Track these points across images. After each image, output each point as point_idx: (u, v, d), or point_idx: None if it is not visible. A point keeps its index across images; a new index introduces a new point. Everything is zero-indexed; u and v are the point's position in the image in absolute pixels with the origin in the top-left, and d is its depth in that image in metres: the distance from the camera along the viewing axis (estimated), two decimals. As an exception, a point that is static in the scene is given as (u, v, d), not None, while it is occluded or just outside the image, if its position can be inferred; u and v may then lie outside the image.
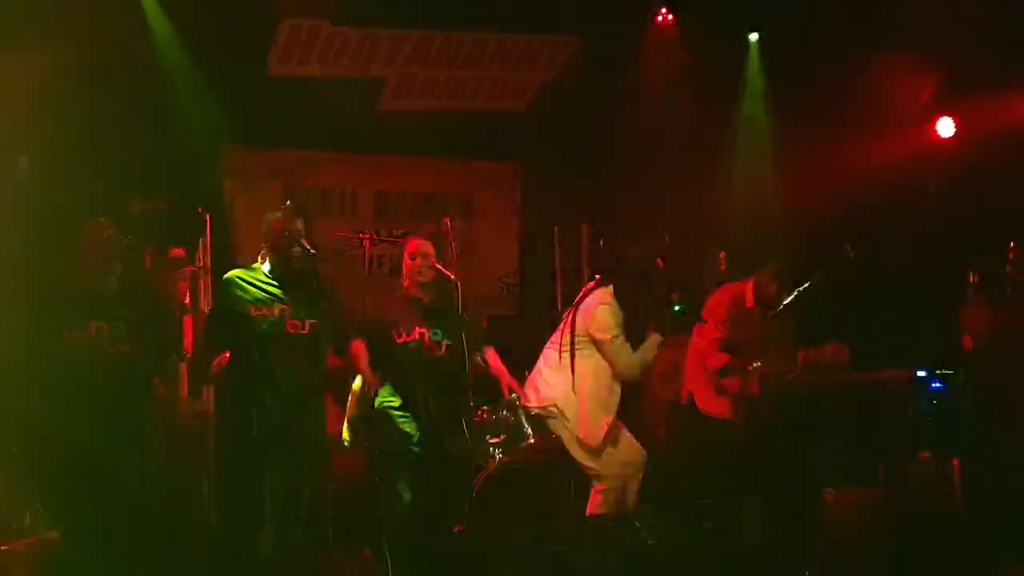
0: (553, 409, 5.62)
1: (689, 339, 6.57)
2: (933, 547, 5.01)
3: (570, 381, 5.61)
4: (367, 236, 7.04)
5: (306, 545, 5.02)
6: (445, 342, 5.55)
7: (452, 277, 5.71)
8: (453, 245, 7.53)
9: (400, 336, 5.51)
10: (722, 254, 7.54)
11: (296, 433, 4.96)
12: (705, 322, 6.20)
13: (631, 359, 5.57)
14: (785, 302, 6.50)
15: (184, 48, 7.12)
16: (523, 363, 7.35)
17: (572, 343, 5.64)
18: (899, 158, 7.96)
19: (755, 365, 6.29)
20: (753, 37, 8.84)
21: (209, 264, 6.91)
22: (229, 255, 7.41)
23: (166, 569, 5.27)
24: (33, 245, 5.71)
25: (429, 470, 5.51)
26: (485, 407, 6.66)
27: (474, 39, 8.21)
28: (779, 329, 6.64)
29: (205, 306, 6.26)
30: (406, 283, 5.71)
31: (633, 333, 5.62)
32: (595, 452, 5.58)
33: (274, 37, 7.61)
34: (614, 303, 5.62)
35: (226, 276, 5.23)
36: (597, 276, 5.93)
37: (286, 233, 5.05)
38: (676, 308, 5.67)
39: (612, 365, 5.59)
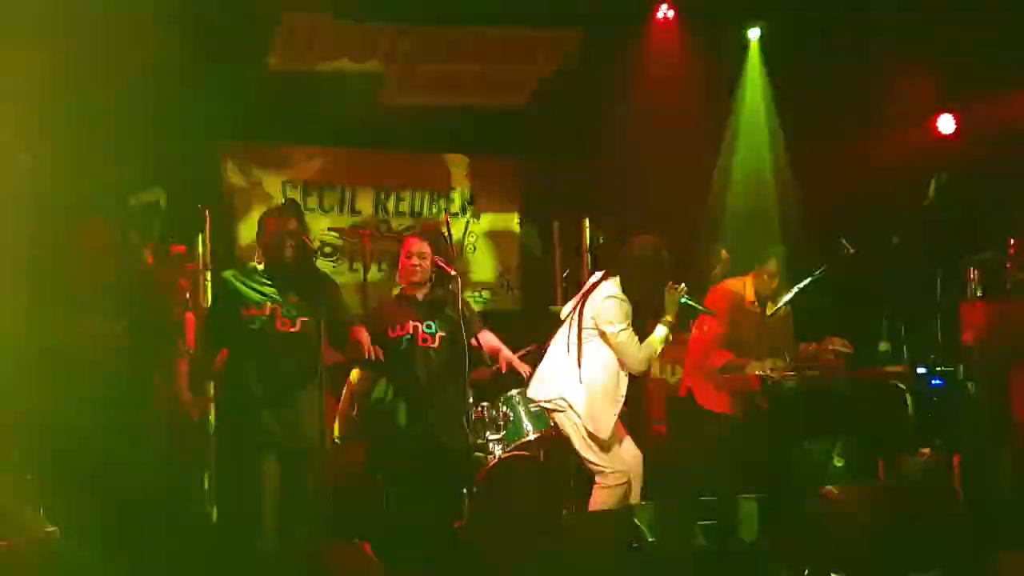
0: (560, 402, 5.61)
1: (686, 335, 6.57)
2: (934, 543, 5.01)
3: (578, 374, 5.60)
4: (367, 232, 7.06)
5: (305, 541, 5.03)
6: (439, 334, 5.56)
7: (452, 272, 5.71)
8: (452, 240, 7.56)
9: (393, 331, 5.52)
10: (724, 252, 7.54)
11: (291, 430, 4.96)
12: (714, 314, 6.20)
13: (639, 352, 5.58)
14: (785, 299, 6.50)
15: (184, 43, 7.10)
16: (523, 359, 7.36)
17: (580, 336, 5.64)
18: (899, 155, 7.95)
19: (754, 366, 6.29)
20: (753, 33, 8.83)
21: (209, 260, 6.91)
22: (229, 251, 7.42)
23: (166, 565, 5.28)
24: (32, 242, 5.69)
25: (427, 465, 5.52)
26: (485, 403, 6.67)
27: (474, 34, 8.20)
28: (780, 326, 6.64)
29: (205, 302, 6.25)
30: (400, 280, 5.73)
31: (639, 327, 5.62)
32: (602, 446, 5.58)
33: (275, 32, 7.60)
34: (622, 296, 5.62)
35: (222, 275, 5.24)
36: (603, 269, 5.92)
37: (280, 232, 5.05)
38: (683, 300, 5.68)
39: (620, 358, 5.60)
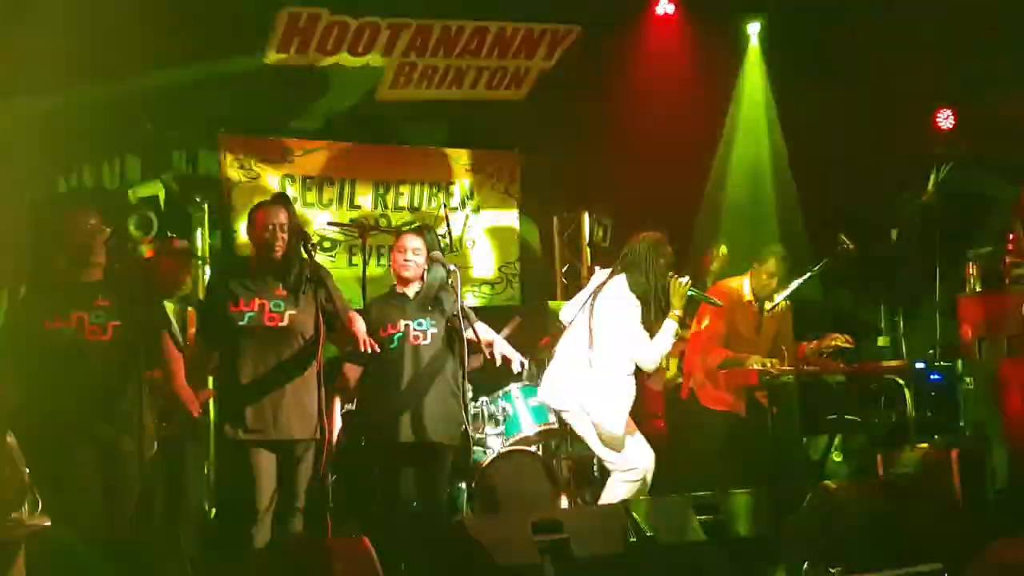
0: (575, 404, 5.62)
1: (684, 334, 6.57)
2: (932, 538, 5.02)
3: (590, 372, 5.61)
4: (366, 227, 7.04)
5: (304, 535, 5.03)
6: (431, 331, 5.55)
7: (451, 267, 5.70)
8: (451, 234, 7.56)
9: (385, 330, 5.51)
10: (723, 248, 7.54)
11: (284, 425, 4.94)
12: (720, 304, 6.20)
13: (650, 348, 5.58)
14: (784, 294, 6.50)
15: (183, 36, 7.09)
16: (523, 352, 7.36)
17: (591, 335, 5.64)
18: (899, 149, 7.95)
19: (754, 361, 6.29)
20: (753, 28, 8.83)
21: (208, 254, 6.91)
22: (228, 246, 7.41)
23: (161, 558, 5.28)
24: (26, 235, 5.69)
25: (425, 460, 5.51)
26: (484, 398, 6.68)
27: (473, 28, 8.19)
28: (778, 322, 6.64)
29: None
30: (397, 278, 5.71)
31: (646, 323, 5.63)
32: (617, 444, 5.60)
33: (272, 25, 7.58)
34: (630, 293, 5.63)
35: (213, 271, 5.24)
36: (608, 267, 5.93)
37: (270, 226, 5.03)
38: (690, 293, 5.68)
39: (633, 355, 5.60)
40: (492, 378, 6.90)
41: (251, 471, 4.91)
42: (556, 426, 6.75)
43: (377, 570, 4.42)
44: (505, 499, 6.28)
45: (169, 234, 6.57)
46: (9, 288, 4.99)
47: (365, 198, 8.20)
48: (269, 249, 5.03)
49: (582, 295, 5.96)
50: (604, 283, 5.77)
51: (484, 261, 8.67)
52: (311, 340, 5.05)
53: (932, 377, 6.53)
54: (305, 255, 5.01)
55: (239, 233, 7.34)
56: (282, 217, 5.07)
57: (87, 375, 4.78)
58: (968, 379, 6.41)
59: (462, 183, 8.61)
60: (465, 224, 8.58)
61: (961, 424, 6.47)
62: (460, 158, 8.61)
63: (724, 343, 6.47)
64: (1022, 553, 4.06)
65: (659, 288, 5.64)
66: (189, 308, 5.99)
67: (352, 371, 5.61)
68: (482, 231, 8.67)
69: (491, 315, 8.13)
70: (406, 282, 5.65)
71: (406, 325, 5.53)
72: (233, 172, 7.70)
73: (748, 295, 6.57)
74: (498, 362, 5.82)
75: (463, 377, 5.59)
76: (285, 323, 5.01)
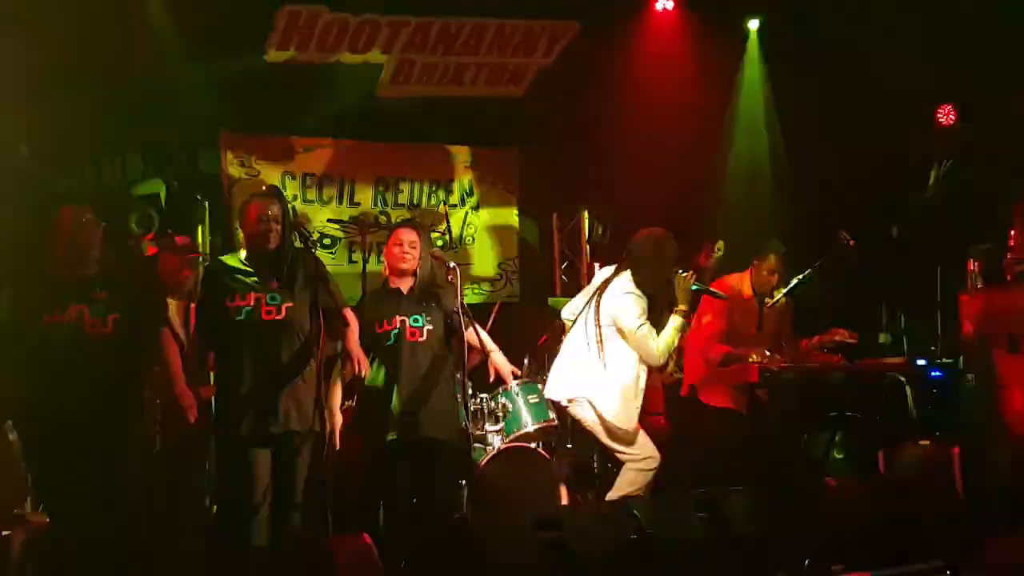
0: (584, 400, 5.62)
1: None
2: (934, 536, 5.01)
3: (598, 369, 5.60)
4: (366, 223, 7.05)
5: (304, 531, 5.02)
6: (427, 328, 5.53)
7: (451, 264, 5.69)
8: (451, 232, 7.56)
9: (381, 326, 5.49)
10: (721, 244, 7.52)
11: (282, 418, 4.93)
12: (726, 297, 6.20)
13: (658, 344, 5.58)
14: (784, 291, 6.50)
15: (183, 34, 7.08)
16: (523, 349, 7.36)
17: (599, 331, 5.64)
18: (899, 145, 7.94)
19: (754, 357, 6.28)
20: (753, 24, 8.82)
21: (208, 251, 6.90)
22: (228, 242, 7.40)
23: (160, 554, 5.28)
24: (27, 232, 5.68)
25: (423, 457, 5.50)
26: (484, 394, 6.67)
27: (473, 25, 8.18)
28: (778, 319, 6.64)
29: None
30: (386, 272, 5.68)
31: (652, 318, 5.63)
32: (626, 439, 5.60)
33: (272, 23, 7.58)
34: (637, 290, 5.62)
35: (207, 268, 5.22)
36: (612, 264, 5.92)
37: (263, 217, 4.99)
38: (694, 287, 5.68)
39: (640, 352, 5.60)
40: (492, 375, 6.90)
41: (247, 467, 4.89)
42: (556, 423, 6.75)
43: (378, 567, 4.42)
44: (505, 496, 6.27)
45: (169, 231, 6.57)
46: (7, 283, 4.96)
47: (365, 195, 8.20)
48: (264, 241, 4.99)
49: (586, 292, 5.95)
50: (609, 279, 5.76)
51: (483, 258, 8.67)
52: (308, 332, 5.04)
53: (933, 374, 6.52)
54: (303, 246, 5.00)
55: (240, 230, 7.33)
56: (275, 209, 5.03)
57: (88, 369, 4.78)
58: (969, 376, 6.40)
59: (461, 180, 8.60)
60: (464, 221, 8.57)
61: (962, 421, 6.46)
62: (459, 155, 8.61)
63: (724, 340, 6.46)
64: (1022, 551, 4.06)
65: (664, 283, 5.64)
66: (192, 304, 5.98)
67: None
68: (481, 228, 8.67)
69: (491, 311, 8.18)
70: (401, 275, 5.61)
71: (402, 321, 5.51)
72: (234, 170, 7.70)
73: (748, 291, 6.56)
74: (491, 376, 5.80)
75: (463, 374, 5.59)
76: (282, 316, 4.97)
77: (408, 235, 5.66)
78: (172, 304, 5.72)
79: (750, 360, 6.25)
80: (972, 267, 6.42)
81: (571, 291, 8.34)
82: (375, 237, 7.59)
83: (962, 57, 7.66)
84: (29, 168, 6.86)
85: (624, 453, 5.65)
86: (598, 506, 5.78)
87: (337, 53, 7.85)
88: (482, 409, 6.64)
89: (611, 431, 5.62)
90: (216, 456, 5.30)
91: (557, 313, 6.93)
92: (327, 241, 7.97)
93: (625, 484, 5.58)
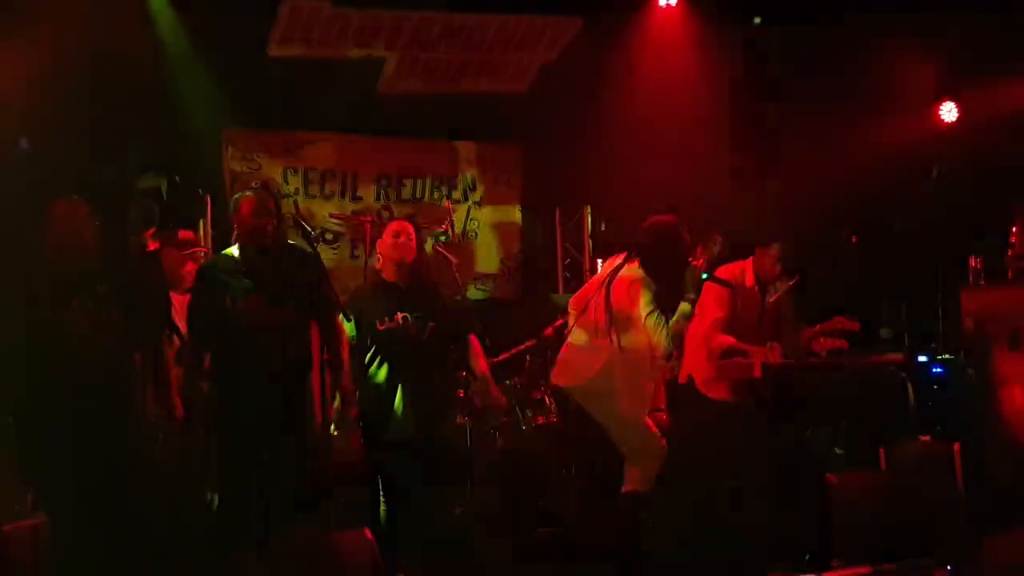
0: (594, 389, 5.62)
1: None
2: (934, 532, 5.03)
3: (607, 359, 5.60)
4: (368, 219, 7.05)
5: (306, 527, 5.03)
6: (430, 324, 5.52)
7: (453, 259, 5.70)
8: (453, 228, 7.55)
9: (383, 323, 5.47)
10: (718, 237, 7.50)
11: (283, 420, 4.93)
12: (734, 287, 6.20)
13: (667, 332, 5.58)
14: (784, 287, 6.50)
15: (185, 29, 7.09)
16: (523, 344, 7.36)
17: (610, 321, 5.63)
18: (901, 143, 7.94)
19: (757, 352, 6.28)
20: (754, 20, 8.80)
21: (211, 246, 6.91)
22: (229, 238, 7.41)
23: (162, 549, 5.28)
24: (28, 227, 5.67)
25: (425, 453, 5.50)
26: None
27: (475, 21, 8.18)
28: (781, 310, 6.63)
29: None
30: (381, 265, 5.62)
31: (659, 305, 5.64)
32: (635, 430, 5.60)
33: (275, 18, 7.58)
34: (646, 278, 5.62)
35: (199, 268, 5.18)
36: (605, 260, 5.92)
37: (257, 212, 4.94)
38: (704, 276, 5.68)
39: (650, 339, 5.60)
40: (492, 371, 6.90)
41: (245, 463, 4.89)
42: (557, 419, 6.76)
43: (379, 562, 4.43)
44: (508, 491, 6.29)
45: (172, 226, 6.56)
46: (10, 278, 4.96)
47: (367, 190, 8.21)
48: (261, 236, 4.94)
49: (594, 282, 5.93)
50: (619, 267, 5.75)
51: (486, 254, 8.68)
52: (309, 332, 5.03)
53: (934, 370, 6.53)
54: (308, 247, 4.98)
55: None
56: (269, 204, 5.00)
57: (91, 363, 4.77)
58: (970, 372, 6.41)
59: (464, 176, 8.61)
60: (467, 217, 8.58)
61: (962, 418, 6.47)
62: (463, 151, 8.62)
63: (726, 329, 6.46)
64: (1021, 548, 4.07)
65: (674, 271, 5.63)
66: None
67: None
68: (484, 224, 8.67)
69: (492, 307, 8.19)
70: (397, 268, 5.58)
71: (404, 317, 5.50)
72: (236, 164, 7.72)
73: (751, 280, 6.54)
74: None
75: (466, 369, 5.58)
76: (285, 318, 4.95)
77: (405, 227, 5.65)
78: (175, 299, 5.72)
79: (751, 356, 6.26)
80: (973, 264, 6.43)
81: (573, 288, 8.35)
82: (378, 232, 7.59)
83: (963, 52, 7.66)
84: (30, 162, 6.87)
85: (630, 446, 5.64)
86: (600, 501, 5.78)
87: (340, 49, 7.85)
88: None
89: (620, 422, 5.62)
90: (219, 453, 5.26)
91: (559, 310, 6.95)
92: (329, 236, 7.98)
93: (633, 480, 5.57)
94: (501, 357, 6.96)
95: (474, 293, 8.35)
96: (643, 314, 5.56)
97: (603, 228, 8.77)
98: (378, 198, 8.23)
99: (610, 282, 5.72)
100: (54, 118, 6.79)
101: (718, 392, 6.48)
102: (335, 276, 5.63)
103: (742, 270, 6.57)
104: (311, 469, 5.03)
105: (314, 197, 8.01)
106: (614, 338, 5.62)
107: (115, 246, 5.10)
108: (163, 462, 5.48)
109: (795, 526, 5.15)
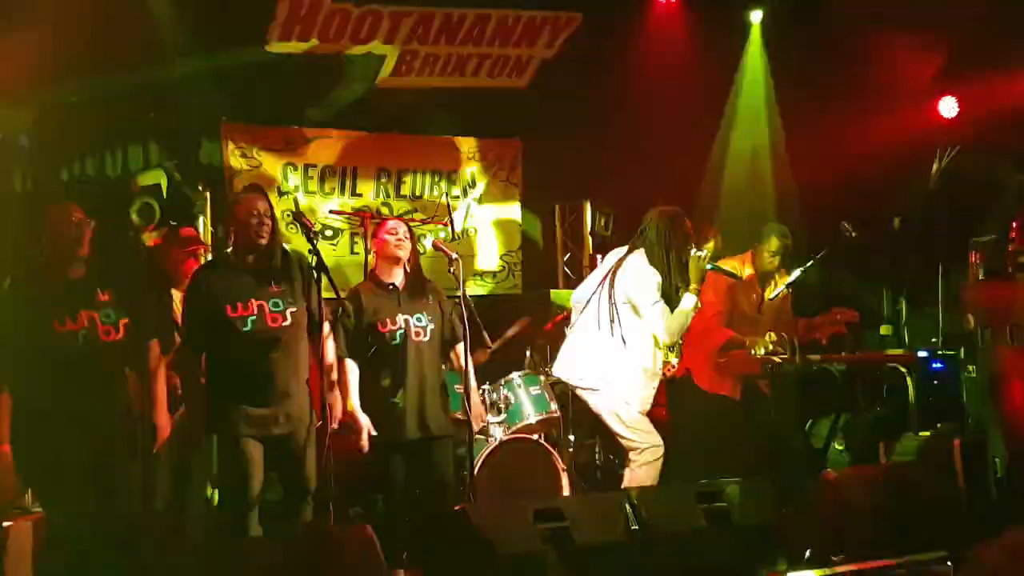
0: (597, 382, 5.61)
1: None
2: (934, 527, 5.02)
3: (612, 351, 5.59)
4: (368, 215, 7.04)
5: (307, 523, 5.03)
6: (430, 327, 5.51)
7: (453, 255, 5.69)
8: (453, 224, 7.55)
9: (384, 325, 5.46)
10: (713, 230, 7.50)
11: (286, 418, 4.92)
12: (740, 278, 6.20)
13: (672, 322, 5.58)
14: (786, 282, 6.50)
15: (184, 24, 7.08)
16: (524, 341, 7.37)
17: (613, 312, 5.62)
18: (901, 137, 7.93)
19: (756, 344, 6.28)
20: (755, 16, 8.81)
21: (211, 242, 6.90)
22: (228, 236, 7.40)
23: (165, 544, 5.28)
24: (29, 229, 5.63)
25: (429, 454, 5.50)
26: (486, 386, 6.68)
27: (475, 16, 8.18)
28: (779, 305, 6.63)
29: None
30: (376, 265, 5.62)
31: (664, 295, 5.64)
32: (639, 423, 5.60)
33: (273, 13, 7.57)
34: (650, 268, 5.61)
35: (196, 271, 5.16)
36: (604, 256, 5.92)
37: (255, 212, 4.91)
38: (708, 266, 5.68)
39: (654, 330, 5.59)
40: (494, 367, 6.91)
41: (244, 461, 4.88)
42: (557, 415, 6.76)
43: (379, 558, 4.43)
44: (507, 487, 6.28)
45: (172, 223, 6.56)
46: (12, 284, 4.92)
47: (367, 186, 8.21)
48: (257, 237, 4.91)
49: (597, 274, 5.91)
50: (622, 258, 5.74)
51: (486, 250, 8.68)
52: (309, 330, 5.03)
53: (934, 366, 6.52)
54: (309, 247, 4.97)
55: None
56: (264, 205, 4.97)
57: (100, 373, 4.74)
58: (971, 367, 6.40)
59: (464, 172, 8.61)
60: (467, 213, 8.57)
61: (963, 413, 6.47)
62: (462, 146, 8.61)
63: (726, 323, 6.47)
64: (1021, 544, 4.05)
65: (677, 261, 5.62)
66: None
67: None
68: (484, 220, 8.67)
69: (493, 303, 8.19)
70: (394, 266, 5.57)
71: (406, 320, 5.48)
72: (235, 161, 7.71)
73: (749, 275, 6.54)
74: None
75: (466, 366, 5.58)
76: (288, 322, 4.92)
77: (400, 225, 5.64)
78: (176, 296, 5.72)
79: (753, 351, 6.26)
80: (973, 259, 6.42)
81: (573, 283, 8.35)
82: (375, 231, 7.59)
83: (964, 45, 7.65)
84: (29, 160, 6.86)
85: (632, 441, 5.63)
86: (599, 497, 5.78)
87: (339, 44, 7.85)
88: (484, 401, 6.65)
89: (623, 415, 5.61)
90: (218, 456, 5.25)
91: (559, 306, 6.94)
92: (329, 232, 7.97)
93: (635, 482, 5.56)
94: (496, 344, 6.99)
95: (474, 289, 8.35)
96: (649, 302, 5.55)
97: (602, 223, 8.76)
98: (377, 194, 8.23)
99: (613, 275, 5.72)
100: (52, 115, 6.78)
101: (716, 387, 6.49)
102: (336, 272, 5.62)
103: (740, 264, 6.58)
104: (311, 466, 5.04)
105: (313, 193, 8.00)
106: (617, 331, 5.61)
107: (111, 247, 5.07)
108: (165, 457, 5.50)
109: (795, 523, 5.14)
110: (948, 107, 8.17)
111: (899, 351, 6.78)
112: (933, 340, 7.02)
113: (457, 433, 5.70)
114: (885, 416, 6.41)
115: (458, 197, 8.50)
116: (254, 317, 4.87)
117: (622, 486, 5.59)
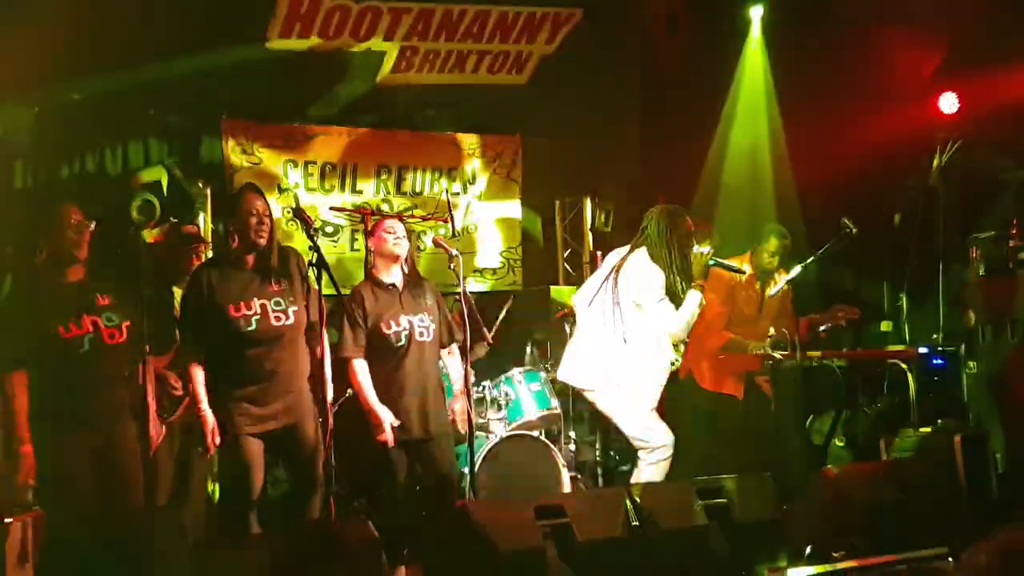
0: (604, 383, 5.61)
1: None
2: (935, 523, 5.02)
3: (618, 351, 5.59)
4: (368, 212, 7.04)
5: (307, 520, 5.03)
6: (432, 327, 5.52)
7: (453, 252, 5.69)
8: (454, 220, 7.55)
9: (389, 327, 5.46)
10: (710, 226, 7.50)
11: (287, 415, 4.92)
12: (743, 272, 6.20)
13: (677, 320, 5.57)
14: (786, 279, 6.50)
15: (185, 21, 7.07)
16: (524, 339, 7.37)
17: (619, 311, 5.61)
18: (901, 134, 7.93)
19: (756, 345, 6.28)
20: (755, 12, 8.80)
21: (211, 239, 6.90)
22: (228, 233, 7.39)
23: (165, 541, 5.28)
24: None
25: (432, 452, 5.50)
26: (486, 382, 6.69)
27: (475, 11, 8.16)
28: (779, 304, 6.64)
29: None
30: (375, 264, 5.62)
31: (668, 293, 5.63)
32: (648, 421, 5.59)
33: (274, 9, 7.56)
34: (653, 266, 5.60)
35: (195, 271, 5.17)
36: (605, 252, 5.92)
37: (254, 211, 4.94)
38: (711, 262, 5.67)
39: (659, 327, 5.59)
40: (494, 363, 6.92)
41: (245, 458, 4.89)
42: (558, 411, 6.77)
43: (381, 554, 4.43)
44: (508, 483, 6.29)
45: (173, 219, 6.56)
46: (15, 284, 4.92)
47: (367, 183, 8.20)
48: (257, 236, 4.93)
49: (599, 274, 5.91)
50: (625, 257, 5.73)
51: (487, 247, 8.67)
52: (310, 329, 5.04)
53: (935, 362, 6.52)
54: (310, 243, 4.97)
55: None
56: (262, 204, 4.99)
57: (105, 376, 4.76)
58: (971, 363, 6.41)
59: (464, 168, 8.60)
60: (468, 210, 8.57)
61: (964, 409, 6.47)
62: (462, 143, 8.61)
63: (726, 323, 6.46)
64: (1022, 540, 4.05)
65: (680, 258, 5.62)
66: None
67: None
68: (484, 216, 8.66)
69: (493, 299, 8.18)
70: (391, 264, 5.57)
71: (409, 321, 5.49)
72: (236, 157, 7.70)
73: (749, 270, 6.54)
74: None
75: (466, 363, 5.59)
76: (291, 320, 4.96)
77: (397, 223, 5.65)
78: (177, 293, 5.72)
79: (754, 350, 6.26)
80: (974, 255, 6.43)
81: (573, 280, 8.37)
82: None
83: (965, 41, 7.64)
84: (28, 157, 6.86)
85: (642, 440, 5.62)
86: (600, 493, 5.78)
87: (339, 40, 7.84)
88: (485, 397, 6.66)
89: (632, 414, 5.60)
90: (219, 454, 5.25)
91: (559, 303, 6.94)
92: (329, 229, 7.97)
93: (647, 478, 5.55)
94: (492, 332, 7.00)
95: (474, 285, 8.35)
96: (653, 300, 5.54)
97: (602, 220, 8.76)
98: (378, 191, 8.23)
99: (616, 272, 5.71)
100: (53, 112, 6.78)
101: (717, 386, 6.49)
102: (337, 268, 5.63)
103: (741, 262, 6.58)
104: (312, 465, 5.04)
105: (314, 191, 8.00)
106: (621, 331, 5.61)
107: (112, 247, 5.07)
108: (166, 454, 5.50)
109: (796, 519, 5.15)
110: (948, 103, 8.15)
111: (900, 347, 6.79)
112: (934, 336, 7.02)
113: (457, 431, 5.71)
114: (886, 412, 6.42)
115: (458, 194, 8.50)
116: (257, 316, 4.89)
117: (630, 483, 5.60)
